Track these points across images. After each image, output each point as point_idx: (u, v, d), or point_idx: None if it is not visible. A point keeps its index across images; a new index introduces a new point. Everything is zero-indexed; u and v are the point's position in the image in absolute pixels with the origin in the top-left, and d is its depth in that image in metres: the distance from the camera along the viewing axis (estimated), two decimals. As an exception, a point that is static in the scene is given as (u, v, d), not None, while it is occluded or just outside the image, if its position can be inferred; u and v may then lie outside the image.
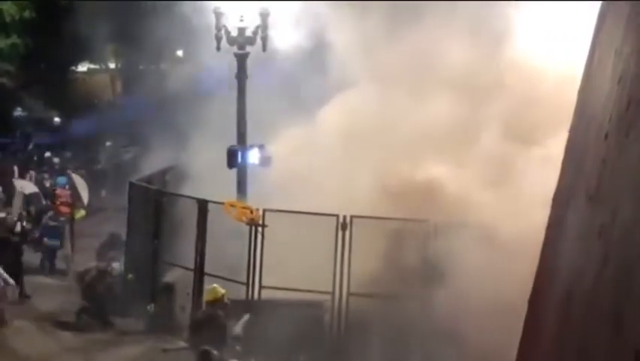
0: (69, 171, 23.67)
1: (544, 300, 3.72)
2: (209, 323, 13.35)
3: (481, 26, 15.48)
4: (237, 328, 13.63)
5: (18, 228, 18.15)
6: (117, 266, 17.06)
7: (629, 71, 3.00)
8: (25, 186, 22.01)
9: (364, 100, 16.82)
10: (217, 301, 13.68)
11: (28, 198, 21.34)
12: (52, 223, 20.23)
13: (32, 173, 24.13)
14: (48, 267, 19.94)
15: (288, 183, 16.15)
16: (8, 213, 19.08)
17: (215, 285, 14.15)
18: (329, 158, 16.44)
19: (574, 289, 3.21)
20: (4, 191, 22.14)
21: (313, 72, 17.82)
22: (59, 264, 19.90)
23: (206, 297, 14.30)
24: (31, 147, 31.51)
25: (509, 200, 13.37)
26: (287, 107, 17.39)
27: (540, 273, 3.98)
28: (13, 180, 22.84)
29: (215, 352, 11.75)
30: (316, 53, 17.97)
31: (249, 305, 14.98)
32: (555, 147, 5.09)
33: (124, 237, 18.69)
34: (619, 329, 2.57)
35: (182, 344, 15.23)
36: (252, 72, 16.71)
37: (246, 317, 14.01)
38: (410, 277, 14.24)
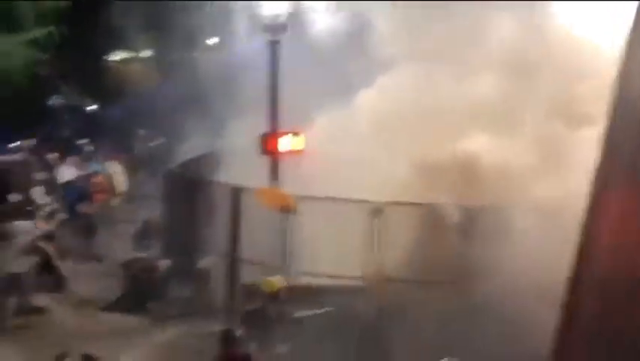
0: (105, 159, 23.84)
1: (582, 282, 3.71)
2: (262, 315, 13.31)
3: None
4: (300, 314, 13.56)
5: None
6: (164, 264, 17.10)
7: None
8: (66, 173, 22.18)
9: (407, 81, 16.68)
10: (274, 294, 13.61)
11: (65, 186, 21.53)
12: (87, 211, 20.45)
13: (70, 160, 24.26)
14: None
15: (322, 169, 16.13)
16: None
17: (271, 277, 14.02)
18: (366, 143, 16.41)
19: (612, 271, 3.20)
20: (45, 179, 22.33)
21: (352, 54, 17.78)
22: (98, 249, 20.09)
23: (263, 288, 14.15)
24: (66, 134, 31.79)
25: (557, 179, 13.23)
26: (323, 91, 17.40)
27: (579, 254, 3.97)
28: (56, 167, 23.06)
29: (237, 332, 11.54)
30: (356, 34, 17.88)
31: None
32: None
33: (159, 223, 18.86)
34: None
35: (216, 328, 15.36)
36: (286, 57, 16.67)
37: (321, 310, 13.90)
38: (450, 262, 14.22)
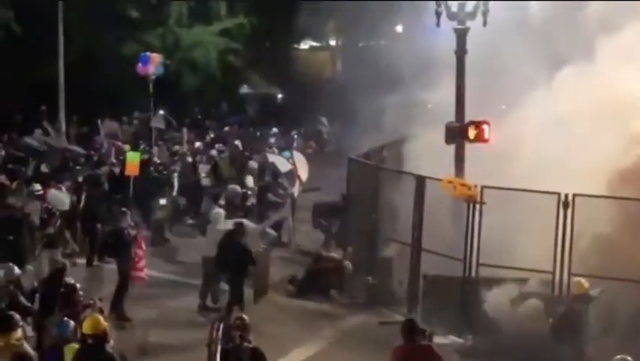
0: (292, 149, 24.42)
1: None
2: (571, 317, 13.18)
3: None
4: None
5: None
6: (349, 265, 17.33)
7: None
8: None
9: (586, 77, 16.24)
10: (583, 295, 13.25)
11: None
12: (274, 199, 21.01)
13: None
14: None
15: (506, 160, 15.86)
16: None
17: (578, 279, 13.63)
18: (551, 136, 16.03)
19: None
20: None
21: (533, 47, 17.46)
22: (283, 236, 20.59)
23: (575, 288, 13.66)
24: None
25: None
26: (506, 84, 17.17)
27: None
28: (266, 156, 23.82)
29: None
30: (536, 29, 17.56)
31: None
32: None
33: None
34: None
35: (398, 317, 15.44)
36: (471, 48, 16.51)
37: None
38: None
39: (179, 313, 15.32)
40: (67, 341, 9.85)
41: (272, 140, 28.37)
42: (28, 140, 24.36)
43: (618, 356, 10.20)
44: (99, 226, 18.39)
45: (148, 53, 25.54)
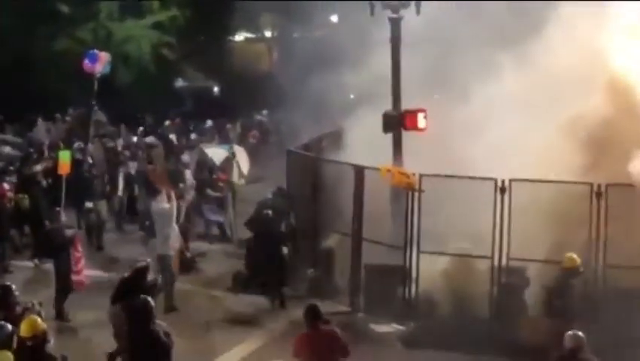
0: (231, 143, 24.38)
1: None
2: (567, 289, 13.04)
3: None
4: None
5: None
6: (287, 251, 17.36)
7: None
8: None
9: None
10: (575, 269, 13.13)
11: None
12: (214, 194, 20.99)
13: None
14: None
15: (444, 148, 16.01)
16: None
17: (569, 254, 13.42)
18: (492, 123, 16.16)
19: None
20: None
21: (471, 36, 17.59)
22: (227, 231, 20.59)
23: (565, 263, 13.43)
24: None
25: None
26: (444, 72, 17.28)
27: None
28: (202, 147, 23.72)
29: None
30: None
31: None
32: None
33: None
34: None
35: (341, 308, 15.54)
36: (408, 37, 16.59)
37: None
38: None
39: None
40: (3, 345, 9.70)
41: (208, 133, 28.28)
42: None
43: (570, 332, 10.46)
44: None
45: (96, 51, 25.02)
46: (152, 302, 10.04)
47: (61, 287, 14.95)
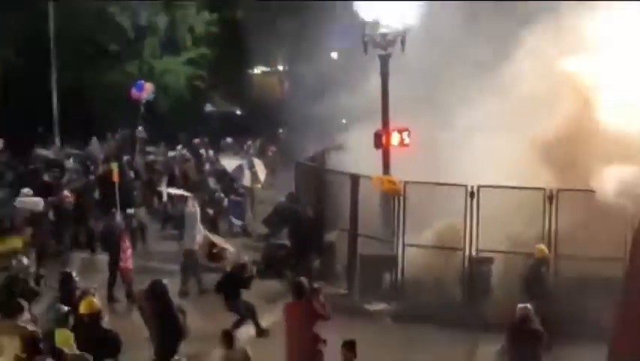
0: (250, 157, 24.29)
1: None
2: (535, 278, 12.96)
3: None
4: None
5: None
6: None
7: None
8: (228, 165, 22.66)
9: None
10: (543, 258, 13.11)
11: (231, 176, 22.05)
12: (237, 199, 20.95)
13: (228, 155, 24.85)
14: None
15: (428, 160, 15.87)
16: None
17: (539, 245, 13.36)
18: (466, 139, 16.00)
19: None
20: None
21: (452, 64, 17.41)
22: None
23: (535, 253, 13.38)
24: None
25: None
26: (430, 94, 17.18)
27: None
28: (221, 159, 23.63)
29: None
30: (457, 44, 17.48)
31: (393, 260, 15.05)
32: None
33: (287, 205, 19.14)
34: None
35: (341, 291, 15.48)
36: (398, 67, 16.37)
37: None
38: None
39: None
40: (59, 323, 9.66)
41: (227, 148, 28.26)
42: (39, 152, 23.90)
43: (521, 305, 10.41)
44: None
45: (142, 82, 25.20)
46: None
47: (113, 274, 14.94)
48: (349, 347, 9.26)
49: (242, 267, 13.41)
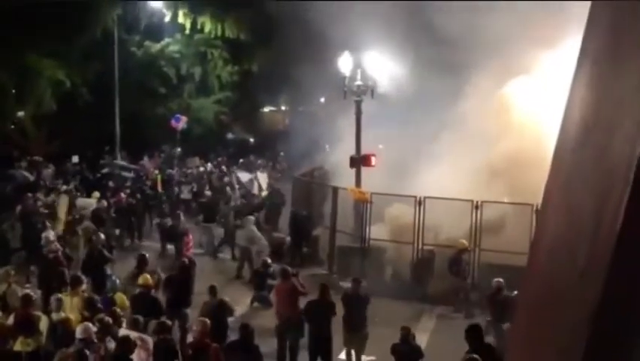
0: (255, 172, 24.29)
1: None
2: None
3: None
4: None
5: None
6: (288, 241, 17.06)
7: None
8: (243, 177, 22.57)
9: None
10: (464, 249, 13.02)
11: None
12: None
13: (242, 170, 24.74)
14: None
15: (392, 175, 15.73)
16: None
17: (461, 240, 13.27)
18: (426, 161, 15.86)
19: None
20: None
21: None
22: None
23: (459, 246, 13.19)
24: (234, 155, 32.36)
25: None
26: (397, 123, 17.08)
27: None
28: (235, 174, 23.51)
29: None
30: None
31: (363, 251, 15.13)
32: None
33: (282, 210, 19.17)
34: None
35: (323, 272, 15.45)
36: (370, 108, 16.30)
37: None
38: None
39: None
40: (115, 290, 9.77)
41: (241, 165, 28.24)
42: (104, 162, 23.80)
43: (496, 279, 10.38)
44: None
45: (179, 115, 25.55)
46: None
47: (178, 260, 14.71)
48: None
49: (265, 265, 13.33)
